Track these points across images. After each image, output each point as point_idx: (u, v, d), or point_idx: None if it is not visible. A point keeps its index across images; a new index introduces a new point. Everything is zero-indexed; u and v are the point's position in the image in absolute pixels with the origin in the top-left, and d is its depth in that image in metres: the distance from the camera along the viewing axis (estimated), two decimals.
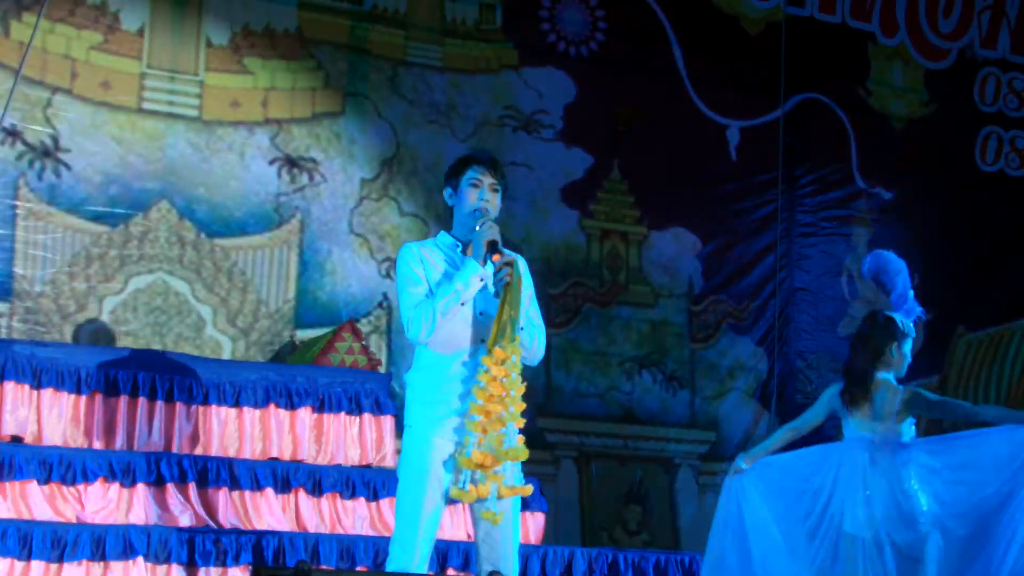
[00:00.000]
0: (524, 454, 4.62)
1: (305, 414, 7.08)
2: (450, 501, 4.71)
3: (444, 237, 4.87)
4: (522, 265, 4.78)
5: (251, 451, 6.96)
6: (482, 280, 4.67)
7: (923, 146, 10.33)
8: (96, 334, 7.80)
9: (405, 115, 8.80)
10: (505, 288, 4.62)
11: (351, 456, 7.14)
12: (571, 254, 9.24)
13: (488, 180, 4.81)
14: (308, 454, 7.04)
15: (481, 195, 4.79)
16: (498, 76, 9.15)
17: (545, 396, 9.01)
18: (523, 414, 4.65)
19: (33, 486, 6.26)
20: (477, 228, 4.70)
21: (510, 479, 4.62)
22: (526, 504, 6.83)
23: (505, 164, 8.78)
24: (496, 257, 4.63)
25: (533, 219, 9.03)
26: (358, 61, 8.73)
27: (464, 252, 4.80)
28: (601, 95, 9.37)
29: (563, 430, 9.11)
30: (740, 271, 9.70)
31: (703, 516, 9.38)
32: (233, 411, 6.97)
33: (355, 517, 6.84)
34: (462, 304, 4.66)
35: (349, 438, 7.15)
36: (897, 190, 10.17)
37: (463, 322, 4.70)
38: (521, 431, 4.65)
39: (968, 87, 10.58)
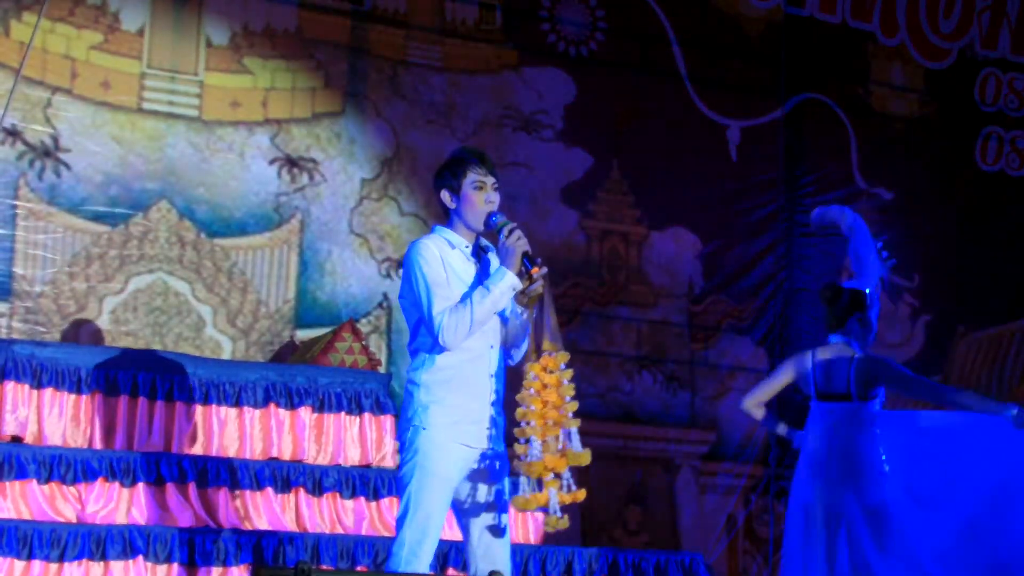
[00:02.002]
0: (587, 457, 4.64)
1: (305, 414, 7.07)
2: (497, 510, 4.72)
3: (450, 235, 4.85)
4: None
5: (251, 451, 6.96)
6: (515, 290, 4.69)
7: (923, 146, 10.33)
8: (93, 336, 7.81)
9: (405, 115, 8.80)
10: (539, 298, 4.65)
11: (351, 456, 7.13)
12: (571, 254, 9.24)
13: (490, 180, 4.82)
14: (308, 454, 7.03)
15: (488, 198, 4.79)
16: (498, 76, 9.15)
17: None
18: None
19: (33, 486, 6.27)
20: (506, 237, 4.68)
21: (570, 483, 4.65)
22: None
23: (505, 164, 8.86)
24: (535, 270, 4.66)
25: (533, 219, 9.03)
26: (358, 61, 8.73)
27: (476, 255, 4.81)
28: (601, 95, 9.37)
29: None
30: (740, 271, 9.69)
31: (703, 516, 9.39)
32: (233, 411, 6.97)
33: (355, 517, 6.84)
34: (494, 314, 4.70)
35: (349, 438, 7.14)
36: (897, 190, 10.17)
37: (483, 326, 4.73)
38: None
39: (968, 87, 10.58)
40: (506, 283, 4.66)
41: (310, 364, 7.49)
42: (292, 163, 8.46)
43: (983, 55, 10.64)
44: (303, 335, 8.26)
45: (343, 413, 7.14)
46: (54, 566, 5.93)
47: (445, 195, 4.84)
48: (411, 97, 8.83)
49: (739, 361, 9.64)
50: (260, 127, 8.41)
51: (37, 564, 5.89)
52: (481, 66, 9.11)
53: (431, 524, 4.63)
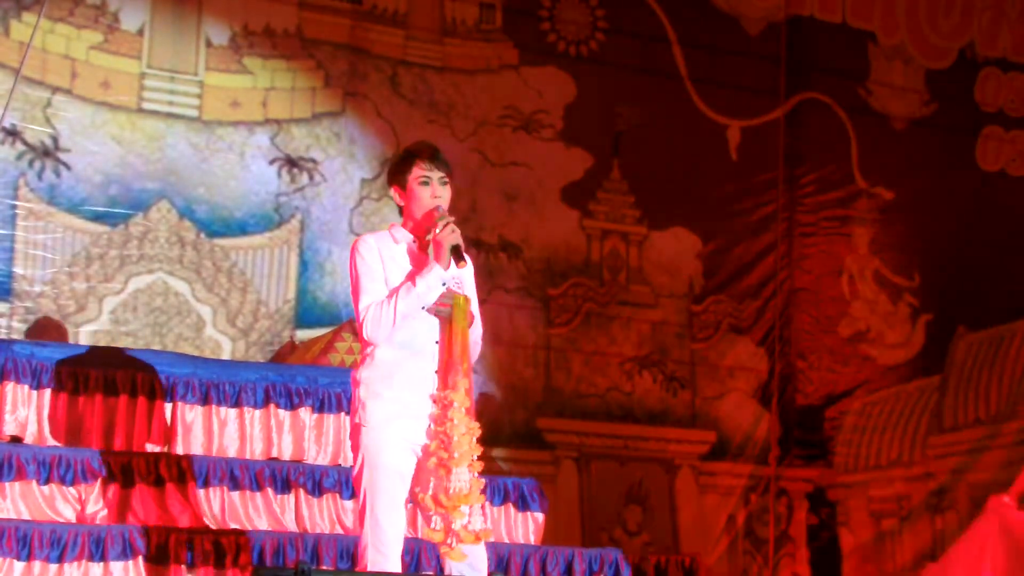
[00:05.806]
0: (469, 499, 4.53)
1: (305, 414, 7.07)
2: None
3: (399, 231, 4.78)
4: (467, 271, 4.72)
5: (251, 451, 6.95)
6: (444, 284, 4.63)
7: (923, 146, 10.33)
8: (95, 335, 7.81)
9: (405, 115, 8.80)
10: (448, 324, 4.57)
11: (351, 456, 7.12)
12: (571, 254, 9.24)
13: (436, 175, 4.73)
14: (308, 454, 7.03)
15: (433, 192, 4.72)
16: (498, 76, 9.15)
17: (545, 396, 9.01)
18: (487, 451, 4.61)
19: (33, 486, 6.26)
20: (438, 230, 4.61)
21: (474, 521, 4.56)
22: (526, 504, 6.84)
23: (505, 164, 8.86)
24: (461, 264, 4.60)
25: (533, 219, 9.03)
26: (358, 61, 8.73)
27: (421, 249, 4.73)
28: (601, 95, 9.37)
29: (563, 430, 9.11)
30: (740, 271, 9.69)
31: (703, 516, 9.39)
32: (233, 411, 6.96)
33: (355, 517, 6.83)
34: (423, 308, 4.63)
35: (349, 438, 7.13)
36: (897, 190, 10.16)
37: (420, 323, 4.65)
38: (481, 472, 4.57)
39: (968, 87, 10.58)
40: (432, 277, 4.60)
41: (310, 364, 7.49)
42: (292, 163, 8.46)
43: (983, 55, 10.64)
44: (303, 335, 8.25)
45: (343, 413, 7.13)
46: (54, 566, 5.92)
47: (393, 192, 4.79)
48: (411, 97, 8.83)
49: (739, 361, 9.64)
50: (260, 127, 8.41)
51: (37, 564, 5.89)
52: (481, 66, 9.11)
53: (389, 519, 4.62)
